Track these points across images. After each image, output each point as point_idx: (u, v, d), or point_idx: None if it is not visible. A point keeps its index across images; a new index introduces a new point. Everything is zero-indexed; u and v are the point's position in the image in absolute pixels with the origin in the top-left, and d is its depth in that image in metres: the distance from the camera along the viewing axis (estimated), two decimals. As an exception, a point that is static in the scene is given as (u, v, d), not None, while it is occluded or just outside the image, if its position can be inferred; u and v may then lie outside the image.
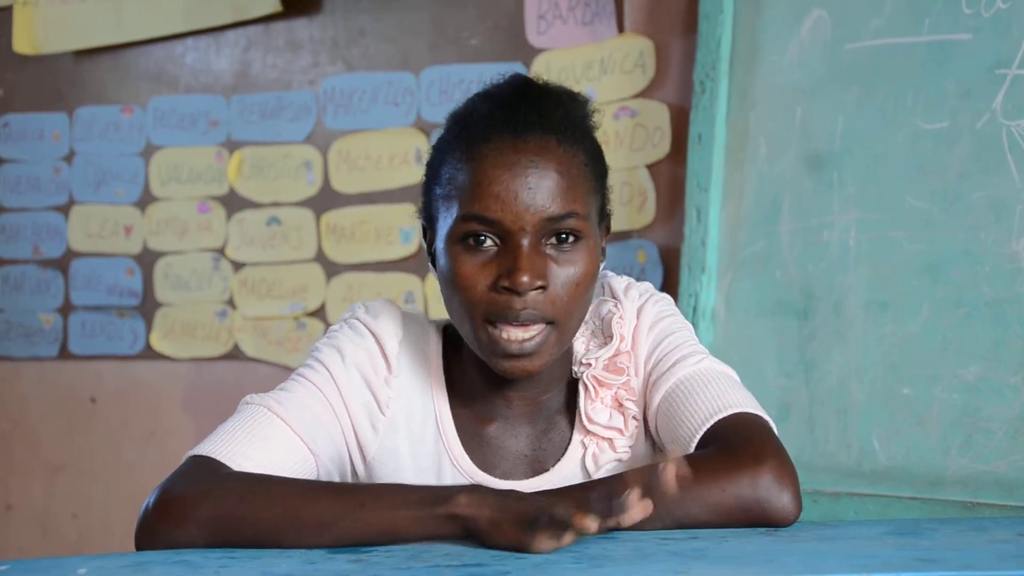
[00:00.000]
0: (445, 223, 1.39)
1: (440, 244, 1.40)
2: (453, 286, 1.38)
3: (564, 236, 1.36)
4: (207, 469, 1.33)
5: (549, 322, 1.36)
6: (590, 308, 1.51)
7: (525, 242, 1.34)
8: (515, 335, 1.35)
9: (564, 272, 1.36)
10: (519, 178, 1.34)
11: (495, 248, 1.36)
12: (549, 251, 1.36)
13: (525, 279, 1.33)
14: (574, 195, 1.37)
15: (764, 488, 1.29)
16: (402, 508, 1.22)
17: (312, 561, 1.16)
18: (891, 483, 2.10)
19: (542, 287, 1.35)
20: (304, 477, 1.40)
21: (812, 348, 2.30)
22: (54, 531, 3.64)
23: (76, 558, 1.19)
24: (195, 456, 1.36)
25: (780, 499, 1.30)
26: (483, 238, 1.36)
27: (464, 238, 1.36)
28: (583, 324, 1.50)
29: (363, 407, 1.45)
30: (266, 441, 1.38)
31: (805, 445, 2.25)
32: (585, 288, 1.38)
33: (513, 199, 1.34)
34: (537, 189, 1.34)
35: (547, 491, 1.30)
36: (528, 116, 1.38)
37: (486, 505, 1.19)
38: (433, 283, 3.10)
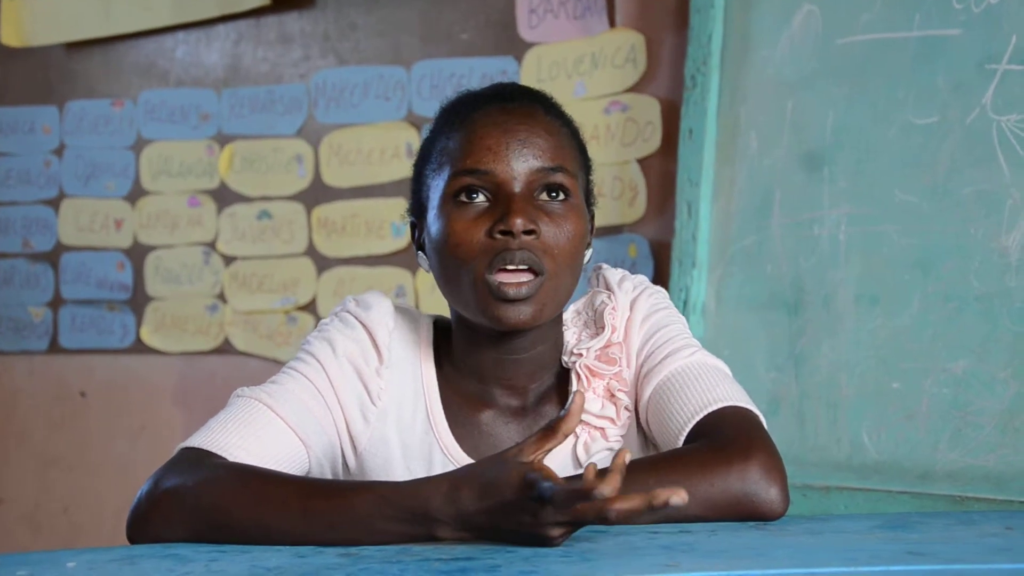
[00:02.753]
0: (437, 191, 1.42)
1: (432, 215, 1.42)
2: (447, 244, 1.39)
3: (554, 193, 1.40)
4: (198, 461, 1.33)
5: (540, 273, 1.37)
6: (584, 299, 1.52)
7: (517, 189, 1.38)
8: (512, 279, 1.37)
9: (555, 225, 1.39)
10: (509, 133, 1.40)
11: (487, 203, 1.39)
12: (541, 204, 1.39)
13: (519, 221, 1.35)
14: (562, 154, 1.42)
15: (752, 482, 1.30)
16: (387, 524, 1.21)
17: (302, 555, 1.16)
18: (881, 477, 2.11)
19: (534, 231, 1.37)
20: (296, 468, 1.41)
21: (802, 342, 2.30)
22: (45, 525, 3.63)
23: (67, 552, 1.19)
24: (187, 448, 1.37)
25: (768, 493, 1.30)
26: (475, 194, 1.39)
27: (457, 195, 1.39)
28: (576, 314, 1.51)
29: (354, 398, 1.46)
30: (258, 433, 1.38)
31: (795, 439, 2.25)
32: (575, 246, 1.40)
33: (504, 150, 1.39)
34: (527, 143, 1.39)
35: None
36: (515, 91, 1.46)
37: (471, 528, 1.17)
38: (424, 278, 3.10)
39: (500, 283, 1.36)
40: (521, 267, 1.37)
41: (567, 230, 1.39)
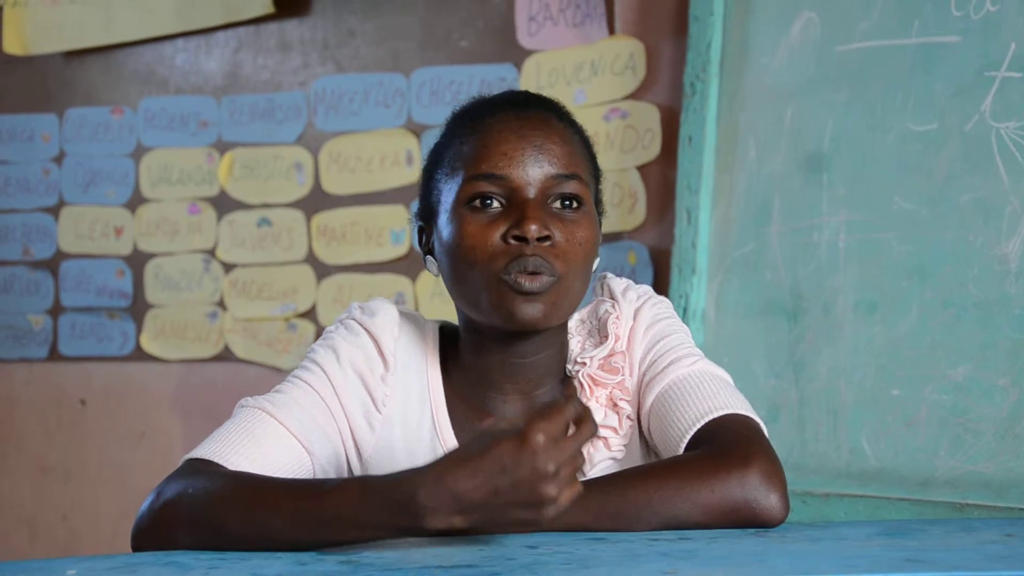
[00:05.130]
0: (450, 195, 1.42)
1: (444, 219, 1.43)
2: (460, 247, 1.40)
3: (568, 201, 1.41)
4: (200, 472, 1.33)
5: (554, 275, 1.38)
6: (588, 307, 1.52)
7: (532, 195, 1.39)
8: (524, 281, 1.37)
9: (568, 232, 1.40)
10: (525, 139, 1.40)
11: (501, 209, 1.40)
12: (554, 211, 1.40)
13: (534, 227, 1.36)
14: (576, 161, 1.43)
15: (752, 489, 1.30)
16: (375, 517, 1.20)
17: (302, 563, 1.16)
18: (880, 484, 2.11)
19: (548, 238, 1.38)
20: (300, 476, 1.40)
21: (802, 349, 2.30)
22: (44, 532, 3.63)
23: (66, 559, 1.19)
24: (190, 459, 1.37)
25: (768, 500, 1.30)
26: (489, 200, 1.39)
27: (471, 200, 1.39)
28: (580, 323, 1.51)
29: (359, 405, 1.46)
30: (261, 443, 1.38)
31: (795, 446, 2.25)
32: (588, 251, 1.42)
33: (520, 155, 1.40)
34: (542, 150, 1.40)
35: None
36: (529, 98, 1.47)
37: (465, 510, 1.16)
38: (424, 285, 3.10)
39: (517, 280, 1.37)
40: (534, 273, 1.37)
41: (580, 237, 1.40)
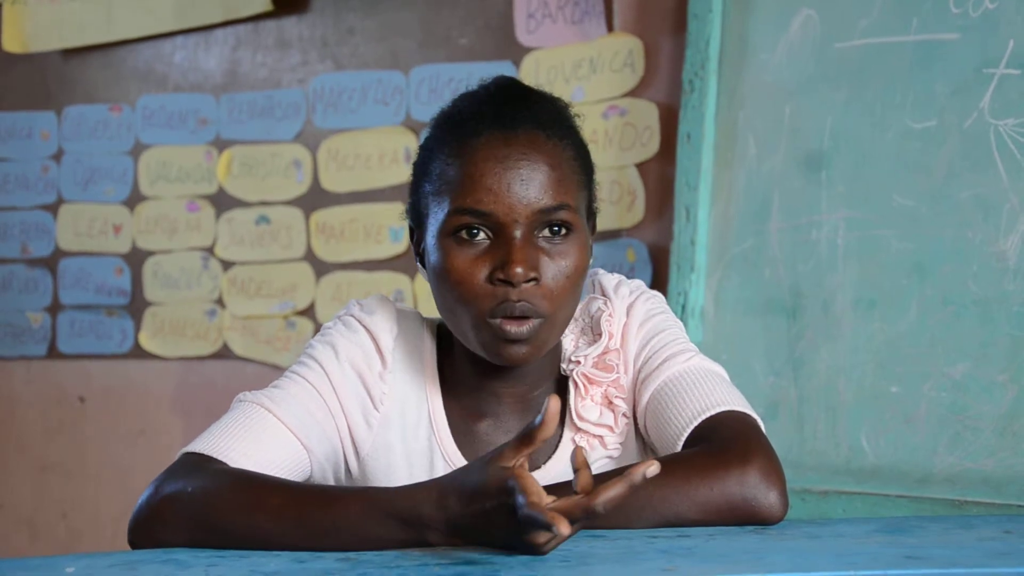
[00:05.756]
0: (436, 219, 1.39)
1: (431, 240, 1.40)
2: (447, 281, 1.38)
3: (556, 229, 1.37)
4: (199, 467, 1.33)
5: (541, 316, 1.36)
6: (580, 305, 1.51)
7: (518, 234, 1.35)
8: (513, 327, 1.35)
9: (556, 265, 1.37)
10: (511, 171, 1.35)
11: (488, 241, 1.37)
12: (542, 243, 1.37)
13: (519, 270, 1.33)
14: (565, 187, 1.38)
15: (751, 486, 1.30)
16: (380, 530, 1.20)
17: (301, 560, 1.16)
18: (879, 481, 2.11)
19: (535, 279, 1.35)
20: (297, 473, 1.41)
21: (801, 346, 2.30)
22: (43, 530, 3.63)
23: (65, 557, 1.19)
24: (188, 453, 1.37)
25: (767, 497, 1.30)
26: (476, 231, 1.36)
27: (456, 231, 1.37)
28: (572, 321, 1.51)
29: (357, 403, 1.46)
30: (259, 437, 1.38)
31: (794, 443, 2.25)
32: (576, 281, 1.39)
33: (506, 191, 1.35)
34: (529, 181, 1.35)
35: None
36: (517, 111, 1.39)
37: (461, 533, 1.17)
38: (423, 282, 3.10)
39: (502, 327, 1.35)
40: (522, 317, 1.35)
41: (568, 267, 1.38)
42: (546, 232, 1.37)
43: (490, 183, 1.35)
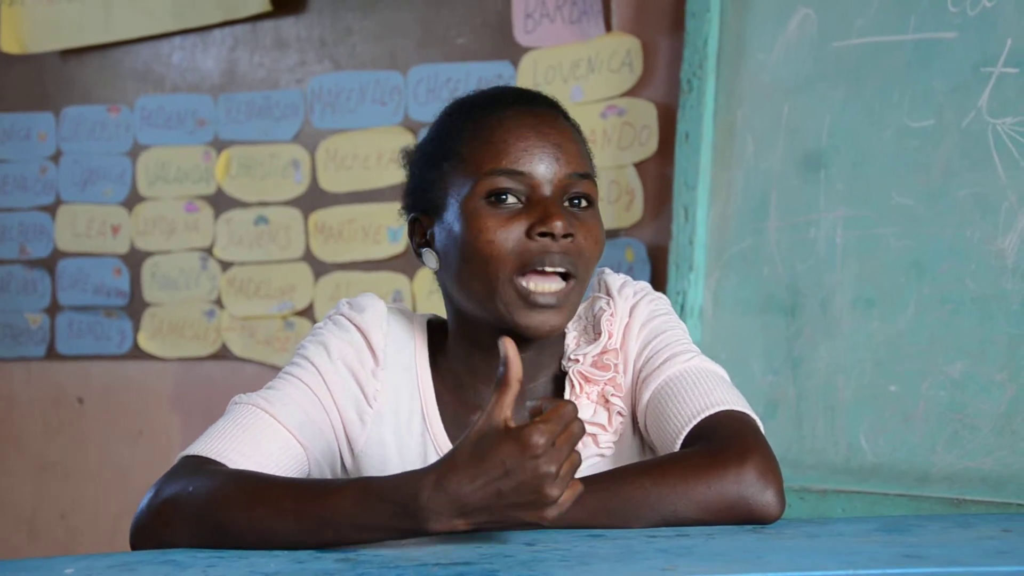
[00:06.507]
0: (460, 193, 1.40)
1: (454, 213, 1.41)
2: (478, 243, 1.38)
3: (577, 201, 1.41)
4: (198, 469, 1.33)
5: (573, 276, 1.39)
6: (584, 303, 1.52)
7: (549, 194, 1.39)
8: (544, 287, 1.38)
9: (586, 229, 1.41)
10: (543, 136, 1.40)
11: (520, 206, 1.39)
12: (569, 210, 1.41)
13: (559, 224, 1.36)
14: (586, 161, 1.44)
15: (748, 485, 1.30)
16: (377, 520, 1.20)
17: (300, 560, 1.16)
18: (878, 480, 2.11)
19: (571, 235, 1.38)
20: (296, 472, 1.41)
21: (799, 345, 2.30)
22: (42, 531, 3.63)
23: (64, 558, 1.19)
24: (187, 456, 1.37)
25: (764, 496, 1.30)
26: (505, 196, 1.39)
27: (488, 195, 1.39)
28: (576, 319, 1.51)
29: (351, 400, 1.46)
30: (257, 438, 1.39)
31: (792, 442, 2.26)
32: (599, 252, 1.43)
33: (541, 152, 1.39)
34: (559, 147, 1.40)
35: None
36: (535, 95, 1.47)
37: (466, 513, 1.16)
38: (422, 282, 3.10)
39: (531, 290, 1.37)
40: (558, 270, 1.38)
41: (594, 236, 1.41)
42: (566, 203, 1.41)
43: (525, 145, 1.39)
